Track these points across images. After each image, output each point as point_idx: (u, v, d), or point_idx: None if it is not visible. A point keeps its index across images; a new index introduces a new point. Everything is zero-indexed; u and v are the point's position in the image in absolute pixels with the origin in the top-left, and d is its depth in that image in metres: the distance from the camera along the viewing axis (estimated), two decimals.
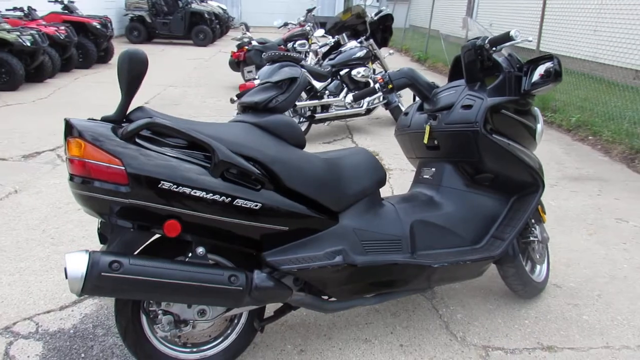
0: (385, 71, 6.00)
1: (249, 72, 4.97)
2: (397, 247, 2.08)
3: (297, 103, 5.11)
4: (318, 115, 5.30)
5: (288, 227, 1.86)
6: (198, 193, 1.67)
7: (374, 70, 5.80)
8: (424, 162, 2.48)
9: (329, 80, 5.40)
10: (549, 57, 2.13)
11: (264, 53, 7.86)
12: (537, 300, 2.54)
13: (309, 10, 8.70)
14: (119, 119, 1.76)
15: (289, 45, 8.46)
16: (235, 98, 5.02)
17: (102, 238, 1.86)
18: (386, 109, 5.99)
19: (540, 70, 2.14)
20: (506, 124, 2.20)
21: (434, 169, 2.38)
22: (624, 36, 7.46)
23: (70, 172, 1.71)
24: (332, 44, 5.87)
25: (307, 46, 8.60)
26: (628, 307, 2.51)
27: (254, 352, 2.12)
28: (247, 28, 8.27)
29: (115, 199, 1.62)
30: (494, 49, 2.19)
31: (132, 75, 1.73)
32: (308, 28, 8.63)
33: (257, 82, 4.87)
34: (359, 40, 5.81)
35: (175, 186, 1.65)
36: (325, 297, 2.02)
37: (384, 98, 5.73)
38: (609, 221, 3.55)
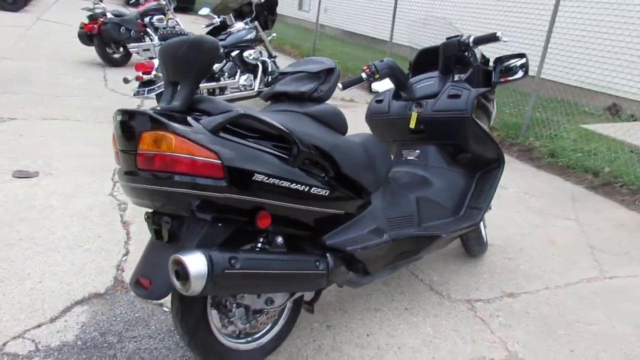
0: (270, 54, 6.11)
1: (145, 50, 4.59)
2: (410, 222, 2.33)
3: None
4: (219, 97, 5.17)
5: (344, 210, 1.98)
6: (285, 184, 1.69)
7: (261, 52, 5.85)
8: (404, 145, 2.75)
9: (224, 61, 5.29)
10: (519, 55, 2.55)
11: (122, 27, 7.29)
12: (483, 258, 3.06)
13: None
14: (184, 109, 1.66)
15: (146, 20, 7.89)
16: (129, 78, 4.65)
17: (158, 233, 1.73)
18: None
19: (515, 65, 2.54)
20: (480, 110, 2.59)
21: (418, 151, 2.67)
22: None
23: (142, 166, 1.57)
24: (218, 23, 5.71)
25: (164, 22, 8.12)
26: (542, 255, 3.18)
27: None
28: None
29: (211, 193, 1.56)
30: (475, 46, 2.55)
31: (202, 64, 1.66)
32: (164, 2, 8.13)
33: (155, 61, 4.56)
34: (244, 21, 5.77)
35: (266, 178, 1.64)
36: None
37: (267, 83, 5.82)
38: None
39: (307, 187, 1.77)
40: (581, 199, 4.34)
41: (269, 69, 5.88)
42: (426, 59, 2.79)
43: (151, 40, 7.84)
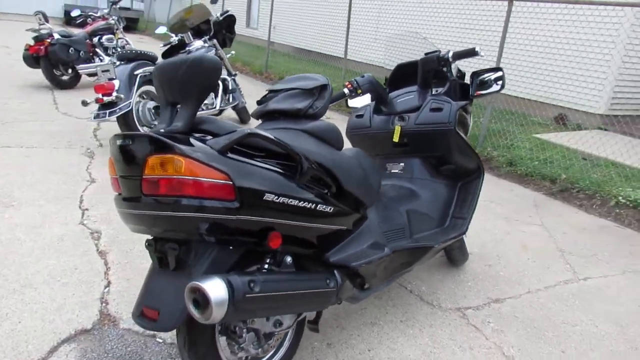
0: (229, 72, 6.08)
1: (104, 71, 4.42)
2: (403, 234, 2.36)
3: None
4: None
5: (346, 226, 1.97)
6: (293, 202, 1.68)
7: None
8: (387, 158, 2.79)
9: None
10: (495, 69, 2.66)
11: (71, 47, 7.03)
12: (465, 267, 3.12)
13: (114, 2, 7.96)
14: (187, 130, 1.63)
15: (95, 40, 7.65)
16: (88, 101, 4.49)
17: (162, 260, 1.66)
18: (233, 109, 6.05)
19: (490, 78, 2.64)
20: (460, 122, 2.67)
21: (402, 164, 2.71)
22: None
23: (148, 192, 1.51)
24: (176, 42, 5.61)
25: (114, 41, 7.91)
26: (518, 261, 3.29)
27: None
28: (46, 18, 7.16)
29: (222, 216, 1.52)
30: (454, 60, 2.63)
31: (203, 84, 1.63)
32: (112, 21, 7.92)
33: (116, 82, 4.43)
34: (202, 39, 5.70)
35: (276, 197, 1.62)
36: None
37: (233, 99, 5.81)
38: None
39: (314, 205, 1.76)
40: (542, 205, 4.54)
41: (229, 87, 5.83)
42: (403, 74, 2.85)
43: (101, 60, 7.62)
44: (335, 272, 1.87)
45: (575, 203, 4.63)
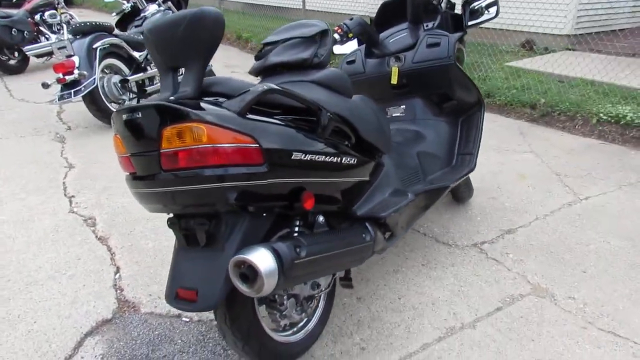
0: None
1: (60, 48, 4.10)
2: (417, 177, 2.31)
3: (128, 78, 4.53)
4: (149, 89, 4.81)
5: (367, 177, 1.90)
6: (320, 158, 1.59)
7: None
8: (386, 102, 2.69)
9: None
10: None
11: (13, 29, 6.54)
12: (470, 203, 3.12)
13: None
14: (197, 94, 1.49)
15: (37, 17, 7.13)
16: (49, 82, 4.20)
17: (189, 238, 1.56)
18: None
19: (481, 6, 2.54)
20: (458, 54, 2.58)
21: (403, 106, 2.63)
22: None
23: (168, 166, 1.39)
24: (129, 9, 5.25)
25: (57, 17, 7.39)
26: (519, 189, 3.31)
27: None
28: None
29: (252, 182, 1.41)
30: None
31: (208, 41, 1.48)
32: None
33: (75, 58, 4.13)
34: (156, 2, 5.36)
35: (304, 155, 1.53)
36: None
37: None
38: None
39: (339, 158, 1.67)
40: (527, 131, 4.56)
41: None
42: (389, 12, 2.72)
43: (47, 39, 7.14)
44: (368, 225, 1.81)
45: (558, 126, 4.67)
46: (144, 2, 5.28)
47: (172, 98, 1.48)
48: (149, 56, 4.91)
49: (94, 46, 4.25)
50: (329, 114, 1.63)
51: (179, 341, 1.99)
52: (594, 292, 2.24)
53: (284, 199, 1.54)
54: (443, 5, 2.62)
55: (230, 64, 7.40)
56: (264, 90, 1.46)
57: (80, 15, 11.57)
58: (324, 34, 1.93)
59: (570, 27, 6.70)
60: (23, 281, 2.34)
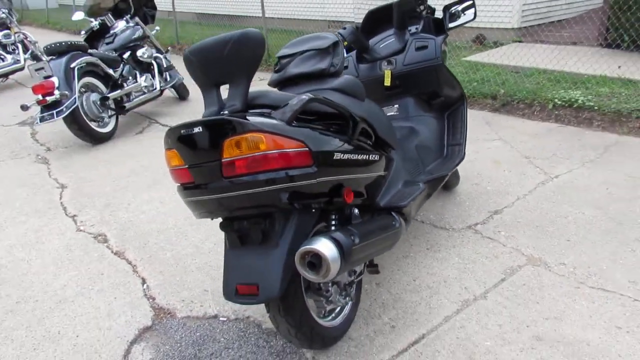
0: (158, 49, 5.83)
1: (38, 70, 4.07)
2: (419, 169, 2.54)
3: (108, 95, 4.56)
4: (128, 105, 4.84)
5: (386, 171, 2.11)
6: (354, 156, 1.78)
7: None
8: (380, 103, 2.91)
9: (121, 65, 4.93)
10: (465, 0, 2.81)
11: None
12: (457, 190, 3.39)
13: None
14: (245, 108, 1.65)
15: None
16: (28, 104, 4.18)
17: (242, 238, 1.71)
18: (172, 87, 5.83)
19: (457, 10, 2.81)
20: (442, 55, 2.83)
21: (396, 106, 2.86)
22: None
23: (229, 174, 1.55)
24: (97, 27, 5.24)
25: (12, 37, 7.22)
26: (497, 174, 3.61)
27: None
28: None
29: (304, 182, 1.59)
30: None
31: (255, 58, 1.65)
32: (3, 15, 7.19)
33: (54, 79, 4.13)
34: (124, 19, 5.38)
35: (342, 155, 1.71)
36: None
37: (171, 77, 5.61)
38: None
39: (367, 155, 1.87)
40: (492, 121, 4.92)
41: (164, 65, 5.60)
42: (375, 20, 2.94)
43: (2, 60, 6.98)
44: (394, 213, 2.02)
45: (519, 113, 5.05)
46: (112, 19, 5.30)
47: (226, 112, 1.63)
48: (124, 72, 4.94)
49: (71, 66, 4.26)
50: (358, 117, 1.83)
51: (222, 339, 2.13)
52: (580, 257, 2.54)
53: (327, 195, 1.72)
54: (424, 12, 2.87)
55: None
56: (307, 100, 1.64)
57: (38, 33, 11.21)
58: (336, 45, 2.13)
59: (516, 20, 7.18)
60: (52, 300, 2.40)
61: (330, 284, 1.86)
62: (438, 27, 2.88)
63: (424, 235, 2.84)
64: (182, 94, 6.04)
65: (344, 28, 2.74)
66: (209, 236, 2.94)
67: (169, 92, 6.08)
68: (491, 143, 4.26)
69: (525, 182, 3.46)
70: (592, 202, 3.09)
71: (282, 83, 2.12)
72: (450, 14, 2.85)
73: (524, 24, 7.20)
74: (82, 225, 3.12)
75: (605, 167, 3.59)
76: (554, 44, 6.69)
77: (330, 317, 2.00)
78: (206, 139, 1.57)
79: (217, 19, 11.35)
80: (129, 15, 5.42)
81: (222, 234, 2.89)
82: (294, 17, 9.46)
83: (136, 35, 5.24)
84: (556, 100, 4.93)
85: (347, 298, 1.93)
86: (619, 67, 5.25)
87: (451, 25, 2.84)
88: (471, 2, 2.80)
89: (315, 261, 1.50)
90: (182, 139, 1.61)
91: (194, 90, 6.46)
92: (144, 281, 2.54)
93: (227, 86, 1.73)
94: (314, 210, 1.71)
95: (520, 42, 7.20)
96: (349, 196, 1.74)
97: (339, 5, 8.87)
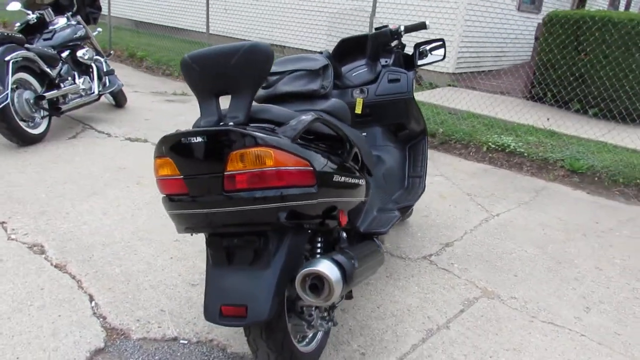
0: (98, 52, 5.59)
1: None
2: (387, 197, 2.58)
3: (45, 94, 4.21)
4: (64, 107, 4.50)
5: (366, 197, 2.12)
6: (349, 180, 1.78)
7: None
8: None
9: (60, 64, 4.60)
10: (438, 40, 2.95)
11: None
12: (408, 221, 3.48)
13: None
14: (247, 121, 1.61)
15: None
16: None
17: (230, 256, 1.63)
18: (110, 93, 5.53)
19: (425, 49, 2.94)
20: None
21: (364, 134, 2.90)
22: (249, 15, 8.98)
23: (231, 187, 1.49)
24: (35, 20, 4.86)
25: None
26: (444, 208, 3.76)
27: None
28: None
29: (304, 202, 1.56)
30: (406, 33, 2.86)
31: (262, 72, 1.61)
32: None
33: None
34: (65, 16, 5.06)
35: (340, 177, 1.71)
36: None
37: (110, 82, 5.33)
38: None
39: (357, 180, 1.87)
40: (433, 157, 5.14)
41: (104, 69, 5.31)
42: (346, 48, 3.00)
43: None
44: (375, 239, 2.02)
45: (456, 152, 5.33)
46: (52, 14, 4.95)
47: (231, 123, 1.56)
48: (62, 72, 4.61)
49: (6, 59, 3.90)
50: (352, 141, 1.83)
51: None
52: (528, 292, 2.69)
53: (321, 217, 1.69)
54: (396, 47, 2.97)
55: (130, 83, 7.12)
56: (313, 119, 1.62)
57: None
58: (326, 67, 2.14)
59: (451, 65, 7.65)
60: None
61: (313, 308, 1.81)
62: (407, 62, 2.99)
63: (383, 264, 2.87)
64: (119, 101, 5.75)
65: (320, 53, 2.76)
66: (160, 252, 2.77)
67: (105, 98, 5.76)
68: (434, 178, 4.44)
69: (470, 217, 3.63)
70: (532, 241, 3.30)
71: (271, 100, 2.09)
72: (420, 52, 2.97)
73: (458, 70, 7.69)
74: (13, 234, 2.81)
75: (538, 209, 3.87)
76: (484, 91, 7.19)
77: (304, 343, 1.95)
78: (210, 149, 1.49)
79: (155, 28, 11.01)
80: (70, 13, 5.10)
81: (175, 251, 2.78)
82: (238, 36, 9.42)
83: (78, 35, 4.94)
84: (490, 143, 5.27)
85: (330, 323, 1.89)
86: (548, 119, 5.74)
87: (420, 62, 2.96)
88: (441, 42, 2.95)
89: (319, 284, 1.46)
90: (180, 147, 1.52)
91: (132, 99, 6.17)
92: (91, 298, 2.32)
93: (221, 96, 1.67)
94: (309, 232, 1.67)
95: (454, 86, 7.66)
96: (343, 218, 1.73)
97: (285, 30, 8.98)
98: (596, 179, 4.58)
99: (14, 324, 2.10)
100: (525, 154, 5.01)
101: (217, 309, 1.61)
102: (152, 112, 5.86)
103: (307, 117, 1.62)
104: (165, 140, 1.55)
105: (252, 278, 1.60)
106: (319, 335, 2.03)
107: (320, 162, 1.61)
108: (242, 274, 1.62)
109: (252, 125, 1.62)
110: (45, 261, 2.58)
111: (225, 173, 1.48)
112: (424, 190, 2.91)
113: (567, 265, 3.01)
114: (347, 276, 1.52)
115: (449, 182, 4.37)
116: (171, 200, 1.62)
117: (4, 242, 2.73)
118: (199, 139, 1.49)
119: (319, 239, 1.84)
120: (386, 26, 2.92)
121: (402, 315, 2.41)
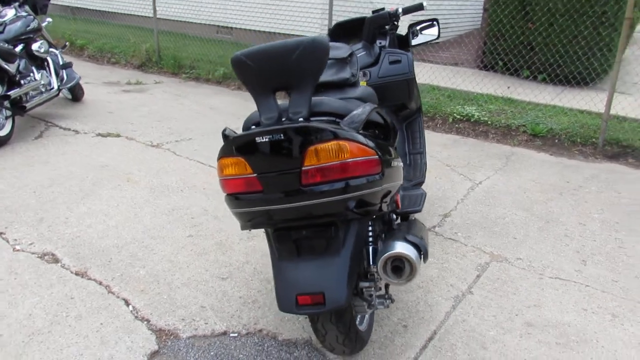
0: (50, 43, 5.30)
1: None
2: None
3: (9, 94, 3.95)
4: (29, 105, 4.24)
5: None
6: (399, 164, 1.86)
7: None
8: None
9: (17, 60, 4.31)
10: (431, 20, 3.04)
11: None
12: None
13: None
14: (309, 116, 1.65)
15: None
16: None
17: (299, 248, 1.69)
18: (68, 88, 5.23)
19: (416, 29, 3.03)
20: None
21: None
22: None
23: (308, 181, 1.54)
24: None
25: None
26: (433, 181, 3.94)
27: None
28: None
29: (373, 189, 1.63)
30: (404, 15, 2.93)
31: (320, 65, 1.65)
32: None
33: None
34: (12, 6, 4.71)
35: (394, 162, 1.79)
36: None
37: (69, 76, 5.07)
38: None
39: (399, 163, 1.96)
40: None
41: (59, 62, 5.02)
42: (342, 31, 3.04)
43: None
44: (414, 216, 2.13)
45: (424, 125, 5.52)
46: None
47: (301, 119, 1.59)
48: (20, 68, 4.32)
49: None
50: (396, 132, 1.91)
51: (241, 356, 2.03)
52: (530, 252, 2.92)
53: (381, 202, 1.77)
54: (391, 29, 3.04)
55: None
56: (373, 108, 1.68)
57: None
58: (352, 55, 2.18)
59: None
60: (21, 333, 2.05)
61: (372, 288, 1.90)
62: (402, 43, 3.08)
63: None
64: (77, 95, 5.47)
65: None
66: (178, 249, 2.75)
67: (60, 93, 5.45)
68: None
69: (457, 187, 3.83)
70: (518, 205, 3.55)
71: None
72: (413, 32, 3.07)
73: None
74: (17, 245, 2.68)
75: (514, 174, 4.14)
76: (438, 63, 7.43)
77: (362, 323, 2.04)
78: (288, 146, 1.52)
79: (92, 14, 10.38)
80: (17, 3, 4.76)
81: (192, 246, 2.77)
82: (186, 19, 9.10)
83: (31, 27, 4.62)
84: (455, 114, 5.51)
85: (388, 300, 1.99)
86: (508, 87, 6.06)
87: (414, 43, 3.06)
88: (433, 22, 3.05)
89: (402, 265, 1.55)
90: (254, 146, 1.54)
91: (86, 91, 5.88)
92: (127, 302, 2.29)
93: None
94: (374, 217, 1.75)
95: None
96: (398, 202, 1.82)
97: (227, 11, 8.77)
98: (556, 141, 4.93)
99: (57, 337, 2.04)
100: (489, 122, 5.29)
101: (292, 299, 1.66)
102: (112, 105, 5.62)
103: (367, 108, 1.68)
104: (236, 140, 1.56)
105: (325, 267, 1.66)
106: (367, 315, 2.13)
107: (382, 150, 1.69)
108: (315, 264, 1.68)
109: (316, 119, 1.66)
110: (64, 270, 2.50)
111: (303, 168, 1.52)
112: (425, 165, 3.04)
113: (554, 223, 3.28)
114: (422, 253, 1.62)
115: (427, 155, 4.55)
116: (236, 199, 1.64)
117: (11, 253, 2.60)
118: (278, 137, 1.51)
119: (370, 223, 1.92)
120: (383, 9, 2.98)
121: (428, 286, 2.55)
